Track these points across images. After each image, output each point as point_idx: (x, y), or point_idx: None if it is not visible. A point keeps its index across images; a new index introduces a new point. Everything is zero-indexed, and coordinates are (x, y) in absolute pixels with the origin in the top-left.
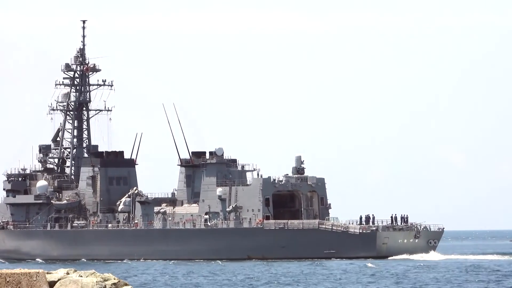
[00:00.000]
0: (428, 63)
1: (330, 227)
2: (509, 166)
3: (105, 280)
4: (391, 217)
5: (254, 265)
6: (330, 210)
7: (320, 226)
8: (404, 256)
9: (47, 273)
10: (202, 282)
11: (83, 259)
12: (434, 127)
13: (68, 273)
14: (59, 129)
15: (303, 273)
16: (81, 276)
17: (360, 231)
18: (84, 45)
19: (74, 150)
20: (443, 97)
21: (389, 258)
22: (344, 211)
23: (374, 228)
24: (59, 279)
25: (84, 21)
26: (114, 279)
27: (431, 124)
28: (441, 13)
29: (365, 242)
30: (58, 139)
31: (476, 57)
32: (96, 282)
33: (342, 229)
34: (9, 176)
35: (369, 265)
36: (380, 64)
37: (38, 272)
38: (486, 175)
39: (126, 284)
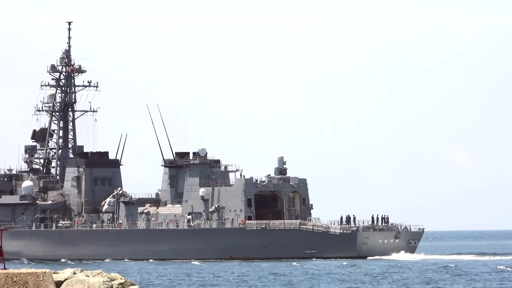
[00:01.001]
0: (420, 63)
1: (311, 228)
2: (488, 165)
3: (111, 280)
4: (372, 217)
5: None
6: (312, 211)
7: (301, 226)
8: (384, 256)
9: (54, 273)
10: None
11: (67, 260)
12: (414, 128)
13: (74, 273)
14: (35, 129)
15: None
16: (88, 276)
17: (341, 231)
18: (69, 46)
19: (60, 151)
20: (422, 100)
21: (368, 258)
22: (326, 212)
23: (354, 229)
24: (65, 279)
25: (69, 23)
26: (121, 279)
27: (411, 125)
28: (446, 11)
29: (346, 242)
30: (36, 139)
31: (480, 56)
32: (103, 282)
33: (323, 229)
34: None
35: (344, 263)
36: (367, 65)
37: (44, 272)
38: (468, 175)
39: (132, 284)
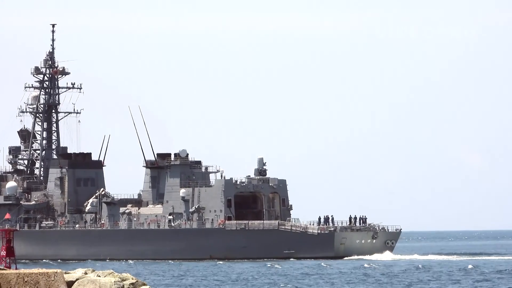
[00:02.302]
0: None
1: (290, 228)
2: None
3: (123, 280)
4: (350, 217)
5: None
6: (291, 211)
7: (280, 227)
8: (361, 256)
9: (65, 273)
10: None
11: (49, 260)
12: (392, 128)
13: (86, 273)
14: (21, 130)
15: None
16: (99, 276)
17: (319, 231)
18: (53, 48)
19: (43, 152)
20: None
21: (345, 258)
22: (306, 212)
23: (332, 229)
24: (77, 279)
25: (53, 25)
26: (132, 279)
27: (390, 125)
28: (454, 13)
29: (323, 243)
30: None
31: (493, 57)
32: (114, 282)
33: (301, 230)
34: None
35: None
36: (352, 67)
37: (56, 272)
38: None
39: (144, 284)
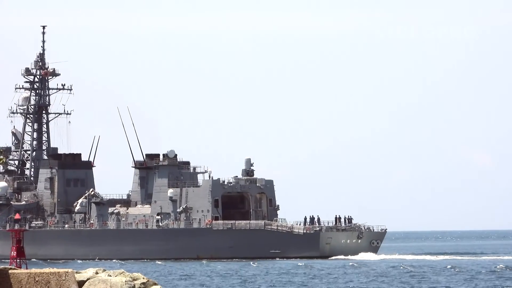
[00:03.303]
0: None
1: (276, 228)
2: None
3: (134, 280)
4: (335, 217)
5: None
6: (278, 211)
7: (266, 226)
8: (346, 256)
9: (76, 272)
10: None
11: (38, 260)
12: (379, 130)
13: (97, 273)
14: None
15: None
16: (110, 276)
17: (304, 231)
18: (44, 50)
19: (34, 153)
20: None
21: (330, 258)
22: (293, 213)
23: (317, 229)
24: (88, 279)
25: (43, 27)
26: (143, 278)
27: (377, 127)
28: (467, 11)
29: (309, 242)
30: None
31: (499, 57)
32: (125, 281)
33: (287, 230)
34: None
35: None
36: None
37: (67, 272)
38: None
39: (155, 284)
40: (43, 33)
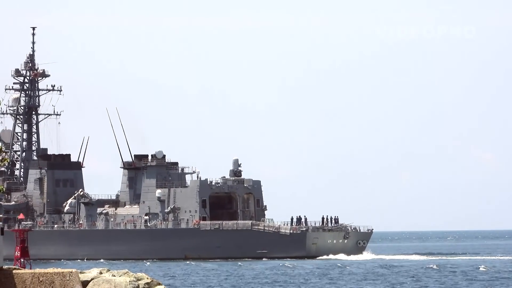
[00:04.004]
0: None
1: (263, 228)
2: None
3: (138, 280)
4: (322, 218)
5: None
6: (266, 212)
7: (253, 227)
8: (333, 256)
9: (80, 272)
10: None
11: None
12: (363, 131)
13: (101, 273)
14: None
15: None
16: (114, 276)
17: (291, 231)
18: (33, 51)
19: (24, 153)
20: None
21: (317, 258)
22: (281, 213)
23: (304, 229)
24: (92, 279)
25: (33, 28)
26: (147, 278)
27: (362, 128)
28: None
29: (296, 242)
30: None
31: (505, 55)
32: (129, 281)
33: (273, 230)
34: None
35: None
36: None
37: (71, 272)
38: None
39: (159, 284)
40: (33, 34)
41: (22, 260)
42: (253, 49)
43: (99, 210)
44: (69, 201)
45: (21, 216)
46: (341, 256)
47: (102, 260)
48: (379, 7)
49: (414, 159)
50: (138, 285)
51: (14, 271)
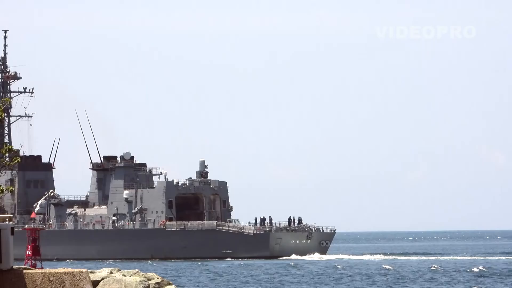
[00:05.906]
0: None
1: (227, 229)
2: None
3: (148, 280)
4: (289, 218)
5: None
6: (232, 212)
7: (218, 227)
8: (295, 256)
9: (91, 272)
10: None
11: None
12: (336, 130)
13: (111, 273)
14: None
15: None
16: (125, 276)
17: (255, 232)
18: (5, 53)
19: None
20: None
21: (280, 258)
22: (247, 214)
23: (267, 229)
24: (102, 279)
25: (5, 31)
26: (158, 278)
27: (330, 127)
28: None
29: (259, 243)
30: None
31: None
32: (140, 281)
33: (238, 230)
34: None
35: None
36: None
37: (81, 272)
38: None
39: (169, 283)
40: (5, 37)
41: (33, 260)
42: (218, 47)
43: (68, 210)
44: (39, 202)
45: (33, 215)
46: (306, 257)
47: (68, 261)
48: (379, 7)
49: (381, 159)
50: (149, 285)
51: (24, 271)
